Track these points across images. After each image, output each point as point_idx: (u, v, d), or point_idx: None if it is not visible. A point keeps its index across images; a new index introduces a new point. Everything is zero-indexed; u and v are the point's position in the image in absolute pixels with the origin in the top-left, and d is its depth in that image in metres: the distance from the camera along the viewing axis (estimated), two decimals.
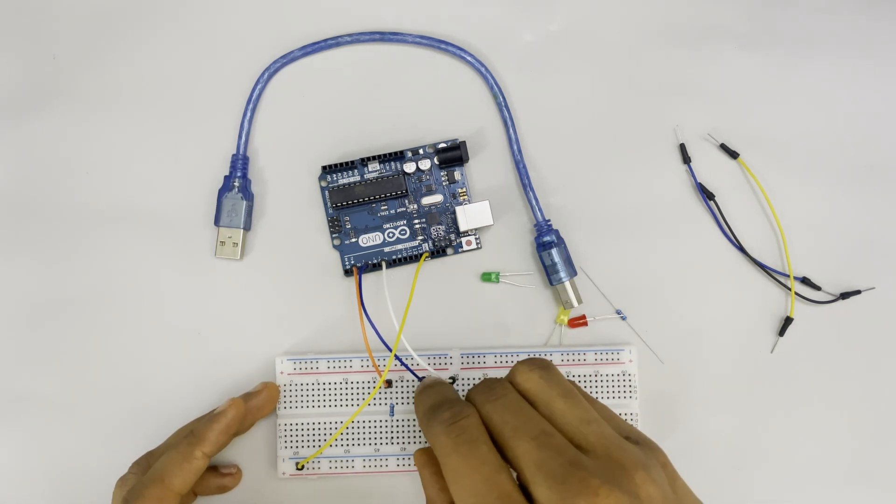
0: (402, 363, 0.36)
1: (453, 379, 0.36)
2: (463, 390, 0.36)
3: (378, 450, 0.36)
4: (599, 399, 0.36)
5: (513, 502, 0.24)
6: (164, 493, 0.31)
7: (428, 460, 0.29)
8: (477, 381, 0.36)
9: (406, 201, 0.38)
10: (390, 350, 0.35)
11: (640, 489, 0.24)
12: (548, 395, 0.27)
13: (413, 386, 0.37)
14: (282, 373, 0.36)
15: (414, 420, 0.36)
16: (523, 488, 0.25)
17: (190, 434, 0.33)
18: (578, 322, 0.38)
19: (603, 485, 0.24)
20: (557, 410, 0.27)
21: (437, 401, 0.28)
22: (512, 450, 0.25)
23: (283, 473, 0.36)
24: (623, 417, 0.36)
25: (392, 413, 0.36)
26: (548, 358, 0.36)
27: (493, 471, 0.25)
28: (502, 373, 0.36)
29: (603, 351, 0.37)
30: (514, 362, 0.36)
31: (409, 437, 0.36)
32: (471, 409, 0.27)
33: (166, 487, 0.31)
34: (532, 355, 0.36)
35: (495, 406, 0.27)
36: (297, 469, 0.36)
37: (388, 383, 0.37)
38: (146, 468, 0.33)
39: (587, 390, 0.36)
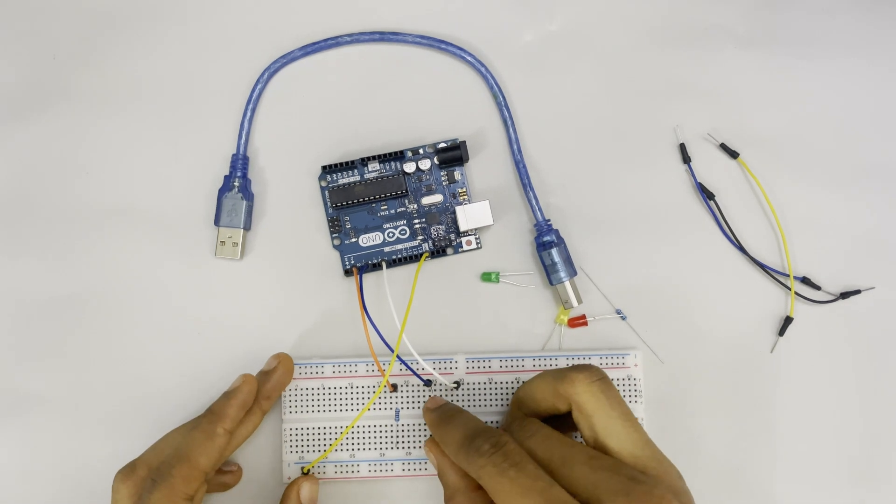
0: (405, 364, 0.36)
1: (458, 384, 0.36)
2: (466, 393, 0.36)
3: (383, 454, 0.36)
4: None
5: None
6: (191, 471, 0.31)
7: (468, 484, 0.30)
8: (482, 386, 0.36)
9: (406, 201, 0.38)
10: (392, 351, 0.35)
11: None
12: (607, 414, 0.28)
13: (418, 390, 0.36)
14: None
15: (419, 424, 0.36)
16: None
17: (208, 413, 0.33)
18: (578, 322, 0.38)
19: (666, 493, 0.25)
20: (615, 432, 0.28)
21: (467, 433, 0.29)
22: (564, 478, 0.26)
23: (289, 478, 0.36)
24: None
25: (397, 417, 0.36)
26: (553, 363, 0.36)
27: (547, 485, 0.26)
28: (507, 377, 0.36)
29: (608, 355, 0.37)
30: (520, 367, 0.36)
31: (414, 442, 0.36)
32: (507, 436, 0.28)
33: (193, 466, 0.31)
34: (537, 360, 0.36)
35: (537, 440, 0.28)
36: (303, 473, 0.36)
37: (394, 387, 0.36)
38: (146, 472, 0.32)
39: None
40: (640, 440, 0.28)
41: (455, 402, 0.36)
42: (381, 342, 0.35)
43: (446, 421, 0.31)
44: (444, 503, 0.31)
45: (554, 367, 0.36)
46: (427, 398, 0.36)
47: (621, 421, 0.28)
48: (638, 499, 0.25)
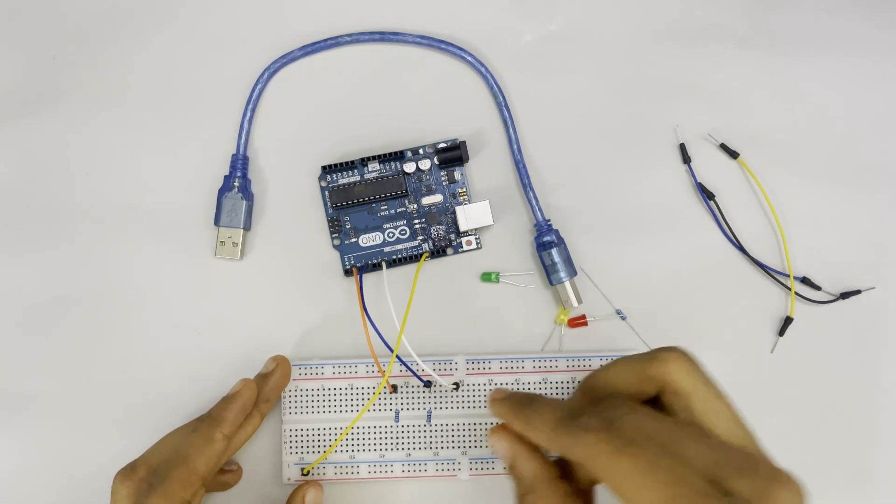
0: (405, 365, 0.36)
1: (457, 385, 0.36)
2: (465, 395, 0.36)
3: (383, 455, 0.36)
4: None
5: (711, 489, 0.23)
6: (189, 475, 0.31)
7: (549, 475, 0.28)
8: (482, 387, 0.36)
9: (406, 201, 0.38)
10: (392, 352, 0.35)
11: None
12: (704, 393, 0.27)
13: (418, 391, 0.36)
14: None
15: (419, 426, 0.36)
16: None
17: (208, 417, 0.33)
18: (578, 322, 0.38)
19: (785, 473, 0.24)
20: (715, 410, 0.27)
21: (564, 412, 0.27)
22: (679, 456, 0.24)
23: (289, 479, 0.36)
24: None
25: (397, 419, 0.36)
26: (553, 364, 0.36)
27: (672, 462, 0.24)
28: (507, 379, 0.36)
29: (608, 356, 0.36)
30: (520, 368, 0.36)
31: (413, 443, 0.36)
32: (615, 411, 0.26)
33: (191, 470, 0.31)
34: (537, 361, 0.36)
35: (639, 419, 0.26)
36: (303, 475, 0.36)
37: (394, 388, 0.36)
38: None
39: None
40: (738, 418, 0.27)
41: (455, 404, 0.36)
42: (381, 342, 0.35)
43: (527, 405, 0.29)
44: (519, 499, 0.28)
45: (555, 368, 0.36)
46: (440, 394, 0.36)
47: (719, 399, 0.27)
48: (767, 475, 0.24)
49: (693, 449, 0.24)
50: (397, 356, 0.35)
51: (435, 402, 0.36)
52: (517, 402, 0.30)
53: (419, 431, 0.36)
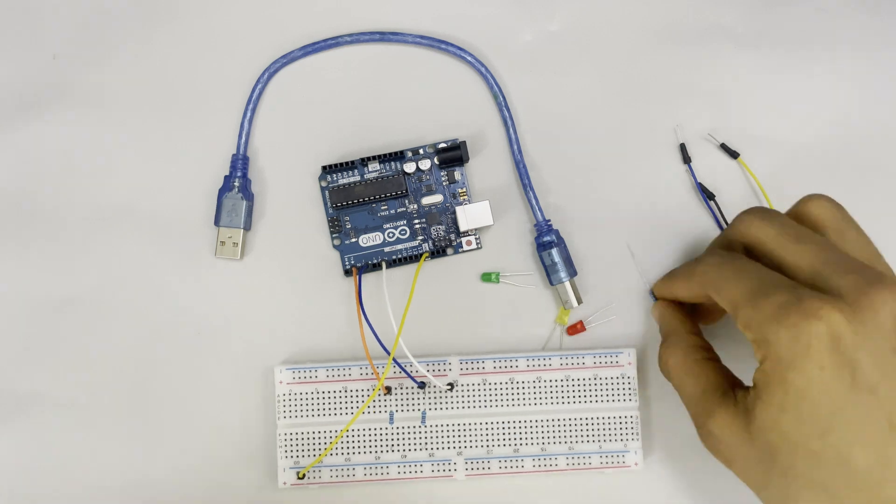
0: (401, 367, 0.36)
1: (451, 385, 0.36)
2: (464, 396, 0.36)
3: (378, 458, 0.36)
4: (598, 402, 0.36)
5: (788, 284, 0.27)
6: None
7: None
8: (476, 387, 0.36)
9: (406, 201, 0.38)
10: (388, 354, 0.35)
11: None
12: (843, 225, 0.31)
13: (412, 393, 0.36)
14: (280, 382, 0.36)
15: (414, 427, 0.36)
16: None
17: None
18: (577, 330, 0.38)
19: (893, 278, 0.27)
20: (851, 240, 0.30)
21: (753, 286, 0.28)
22: (792, 254, 0.28)
23: (284, 483, 0.36)
24: (623, 420, 0.36)
25: (392, 420, 0.36)
26: (547, 362, 0.36)
27: (757, 268, 0.29)
28: (501, 378, 0.36)
29: (602, 354, 0.37)
30: (513, 367, 0.36)
31: (409, 445, 0.36)
32: (801, 291, 0.27)
33: None
34: (531, 359, 0.36)
35: (772, 221, 0.30)
36: (298, 478, 0.36)
37: (388, 390, 0.36)
38: None
39: (586, 393, 0.36)
40: (871, 244, 0.30)
41: (449, 404, 0.36)
42: (378, 344, 0.35)
43: (676, 271, 0.35)
44: (663, 339, 0.34)
45: (549, 366, 0.36)
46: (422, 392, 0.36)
47: (857, 230, 0.30)
48: (872, 276, 0.26)
49: (809, 249, 0.28)
50: (394, 360, 0.35)
51: (429, 403, 0.36)
52: (667, 276, 0.36)
53: (414, 433, 0.36)
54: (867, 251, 0.30)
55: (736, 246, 0.32)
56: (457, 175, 0.38)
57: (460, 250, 0.38)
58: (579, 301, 0.37)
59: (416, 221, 0.38)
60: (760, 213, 0.31)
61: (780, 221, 0.30)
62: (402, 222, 0.38)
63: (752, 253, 0.31)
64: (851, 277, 0.26)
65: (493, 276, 0.38)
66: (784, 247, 0.29)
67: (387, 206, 0.38)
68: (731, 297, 0.28)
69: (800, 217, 0.31)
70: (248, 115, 0.39)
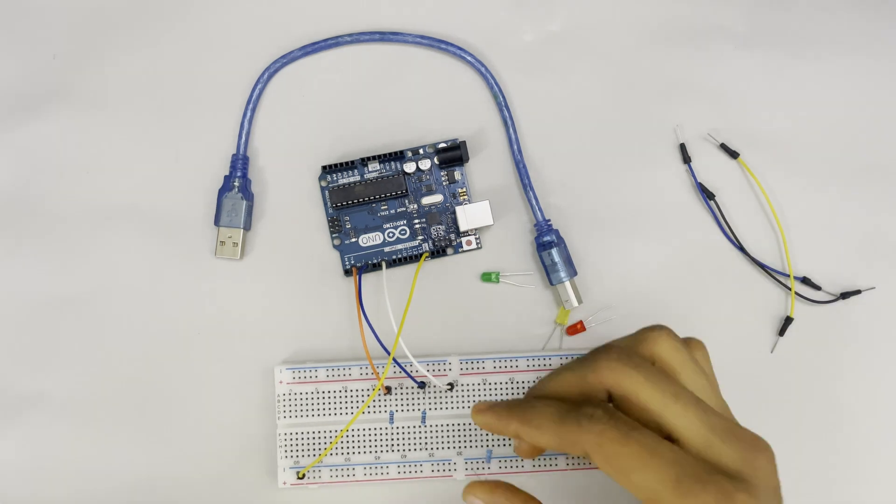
0: (401, 367, 0.36)
1: (451, 385, 0.36)
2: (464, 395, 0.36)
3: (378, 457, 0.36)
4: None
5: (706, 469, 0.25)
6: None
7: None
8: (476, 387, 0.36)
9: (406, 201, 0.38)
10: (388, 353, 0.35)
11: None
12: (691, 367, 0.29)
13: (412, 392, 0.36)
14: (280, 382, 0.36)
15: (413, 427, 0.36)
16: None
17: None
18: (577, 330, 0.38)
19: (761, 437, 0.27)
20: (701, 385, 0.29)
21: (561, 407, 0.28)
22: (677, 416, 0.26)
23: (284, 483, 0.36)
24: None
25: (392, 420, 0.36)
26: (547, 362, 0.36)
27: (668, 449, 0.26)
28: (501, 378, 0.36)
29: None
30: (514, 367, 0.36)
31: (409, 445, 0.36)
32: (605, 404, 0.28)
33: None
34: (531, 359, 0.36)
35: (647, 374, 0.27)
36: (298, 478, 0.36)
37: (388, 390, 0.36)
38: None
39: None
40: (717, 391, 0.30)
41: (449, 404, 0.36)
42: (378, 344, 0.35)
43: (520, 405, 0.29)
44: None
45: (549, 367, 0.36)
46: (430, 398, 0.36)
47: (702, 374, 0.29)
48: (750, 447, 0.26)
49: (691, 412, 0.26)
50: (394, 360, 0.35)
51: (429, 403, 0.36)
52: (506, 407, 0.30)
53: (414, 433, 0.36)
54: (714, 396, 0.29)
55: (597, 392, 0.29)
56: (457, 175, 0.38)
57: (460, 250, 0.38)
58: (579, 301, 0.37)
59: (416, 221, 0.38)
60: (622, 359, 0.28)
61: (646, 370, 0.27)
62: (402, 222, 0.38)
63: (613, 400, 0.29)
64: (738, 446, 0.26)
65: (493, 276, 0.38)
66: (667, 407, 0.27)
67: (387, 206, 0.38)
68: (646, 486, 0.25)
69: (649, 357, 0.29)
70: (248, 114, 0.39)
